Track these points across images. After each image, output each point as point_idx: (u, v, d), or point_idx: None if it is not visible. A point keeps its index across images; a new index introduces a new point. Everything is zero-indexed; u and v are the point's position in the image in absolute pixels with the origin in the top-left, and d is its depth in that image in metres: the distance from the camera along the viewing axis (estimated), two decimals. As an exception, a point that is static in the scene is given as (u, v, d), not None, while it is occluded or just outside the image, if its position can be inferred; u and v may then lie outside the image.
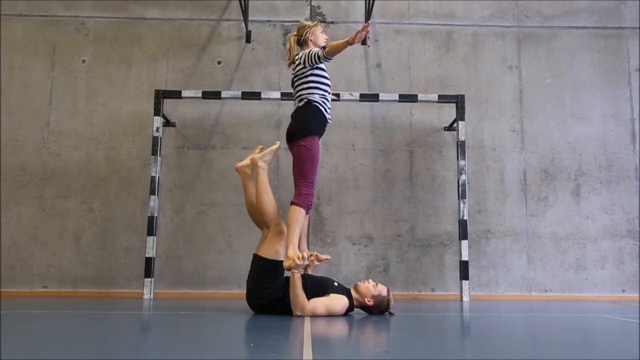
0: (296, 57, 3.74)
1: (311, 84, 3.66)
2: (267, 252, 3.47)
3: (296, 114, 3.71)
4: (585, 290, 5.43)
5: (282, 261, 3.45)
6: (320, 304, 3.36)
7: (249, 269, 3.56)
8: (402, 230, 5.45)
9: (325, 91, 3.70)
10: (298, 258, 3.29)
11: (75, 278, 5.26)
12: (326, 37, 3.88)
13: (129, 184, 5.43)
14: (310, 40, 3.79)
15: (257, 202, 3.60)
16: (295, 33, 3.86)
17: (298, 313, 3.34)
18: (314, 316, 3.32)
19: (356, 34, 3.45)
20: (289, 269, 3.34)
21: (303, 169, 3.58)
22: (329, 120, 3.73)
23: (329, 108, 3.72)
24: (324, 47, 3.59)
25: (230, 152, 5.49)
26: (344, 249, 5.39)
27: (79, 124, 5.50)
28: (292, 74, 3.81)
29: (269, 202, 3.56)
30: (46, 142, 5.46)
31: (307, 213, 3.58)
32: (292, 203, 3.53)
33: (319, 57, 3.59)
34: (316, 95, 3.65)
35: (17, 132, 5.45)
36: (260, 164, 3.66)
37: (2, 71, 5.54)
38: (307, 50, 3.69)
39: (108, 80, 5.59)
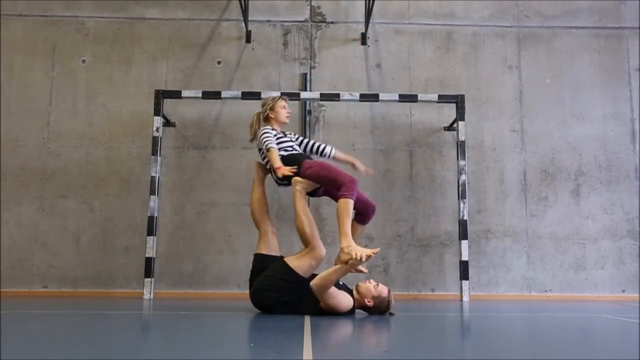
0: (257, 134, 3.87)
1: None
2: (298, 266, 3.48)
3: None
4: (585, 290, 5.43)
5: (305, 278, 3.46)
6: (336, 293, 3.39)
7: (266, 270, 3.55)
8: (402, 230, 5.45)
9: (287, 149, 3.84)
10: (356, 257, 3.22)
11: (75, 278, 5.26)
12: (288, 111, 3.97)
13: (129, 184, 5.43)
14: (271, 116, 3.90)
15: (296, 223, 3.62)
16: (261, 109, 3.98)
17: (315, 289, 3.36)
18: (325, 301, 3.35)
19: (280, 170, 3.58)
20: (346, 263, 3.30)
21: (328, 179, 3.60)
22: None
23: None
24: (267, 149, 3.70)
25: (230, 152, 5.49)
26: (344, 249, 5.37)
27: (79, 124, 5.50)
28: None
29: (308, 223, 3.58)
30: (46, 142, 5.46)
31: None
32: (339, 196, 3.49)
33: (266, 149, 3.71)
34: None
35: (17, 132, 5.45)
36: (299, 187, 3.66)
37: (2, 71, 5.54)
38: (261, 134, 3.77)
39: (108, 80, 5.59)
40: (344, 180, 3.53)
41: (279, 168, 3.60)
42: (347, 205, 3.48)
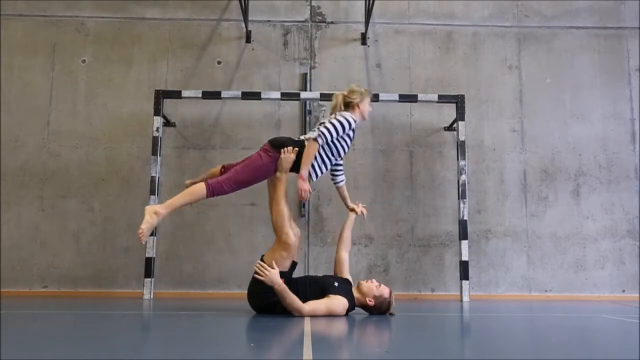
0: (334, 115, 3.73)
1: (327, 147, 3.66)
2: (268, 258, 3.47)
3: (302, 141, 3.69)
4: (585, 290, 5.43)
5: (279, 270, 3.44)
6: (321, 305, 3.36)
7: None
8: (402, 230, 5.45)
9: (329, 159, 3.71)
10: (141, 230, 3.44)
11: (75, 278, 5.26)
12: (371, 109, 3.87)
13: (129, 184, 5.43)
14: (358, 107, 3.76)
15: (270, 210, 3.61)
16: (346, 93, 3.79)
17: (297, 315, 3.34)
18: (315, 316, 3.32)
19: (301, 190, 3.50)
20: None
21: (241, 170, 3.56)
22: (312, 178, 3.68)
23: (320, 170, 3.71)
24: (315, 138, 3.57)
25: (230, 152, 5.48)
26: (344, 249, 5.37)
27: (79, 124, 5.50)
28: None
29: (280, 211, 3.54)
30: (46, 142, 5.46)
31: (207, 196, 3.54)
32: (205, 182, 3.52)
33: (314, 137, 3.58)
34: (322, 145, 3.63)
35: (17, 132, 5.45)
36: (284, 176, 3.62)
37: (2, 71, 5.54)
38: (339, 117, 3.63)
39: (108, 80, 5.59)
40: (232, 180, 3.51)
41: (303, 179, 3.50)
42: (201, 192, 3.50)
